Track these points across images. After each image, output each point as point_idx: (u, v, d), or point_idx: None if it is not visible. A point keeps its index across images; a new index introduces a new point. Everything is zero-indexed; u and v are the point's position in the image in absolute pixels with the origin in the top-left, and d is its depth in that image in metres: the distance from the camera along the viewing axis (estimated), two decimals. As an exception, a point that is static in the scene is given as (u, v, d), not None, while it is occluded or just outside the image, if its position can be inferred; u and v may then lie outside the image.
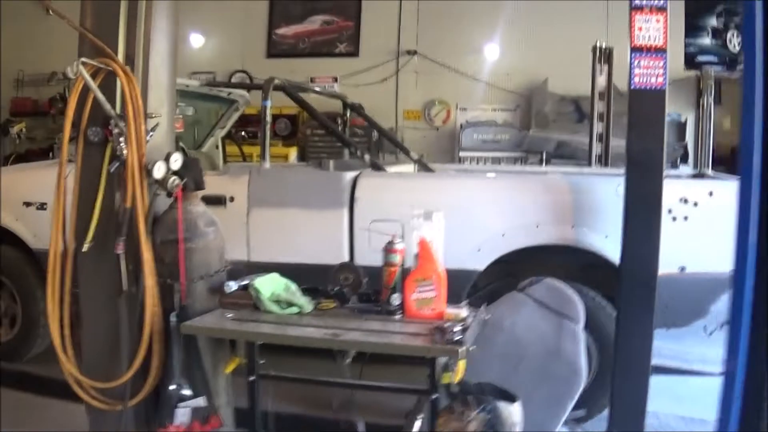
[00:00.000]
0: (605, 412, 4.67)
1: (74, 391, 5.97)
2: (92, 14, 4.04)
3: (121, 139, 3.78)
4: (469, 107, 11.35)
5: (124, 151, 3.79)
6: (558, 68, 10.59)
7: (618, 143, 8.99)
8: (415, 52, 11.39)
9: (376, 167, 6.24)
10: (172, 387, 3.80)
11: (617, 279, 4.33)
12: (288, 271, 4.17)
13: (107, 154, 3.85)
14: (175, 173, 3.91)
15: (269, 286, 3.94)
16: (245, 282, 4.00)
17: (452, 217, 4.58)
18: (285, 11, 11.94)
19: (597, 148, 9.00)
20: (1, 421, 5.39)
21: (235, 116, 8.05)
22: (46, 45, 12.40)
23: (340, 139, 6.49)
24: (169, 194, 3.93)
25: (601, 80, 9.07)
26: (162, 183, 3.88)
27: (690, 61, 10.90)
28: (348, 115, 8.11)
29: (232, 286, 3.97)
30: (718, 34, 11.00)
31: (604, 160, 8.94)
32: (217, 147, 8.18)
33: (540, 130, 10.38)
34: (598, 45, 8.96)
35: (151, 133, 3.89)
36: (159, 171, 3.83)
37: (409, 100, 11.40)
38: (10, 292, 6.83)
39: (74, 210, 3.91)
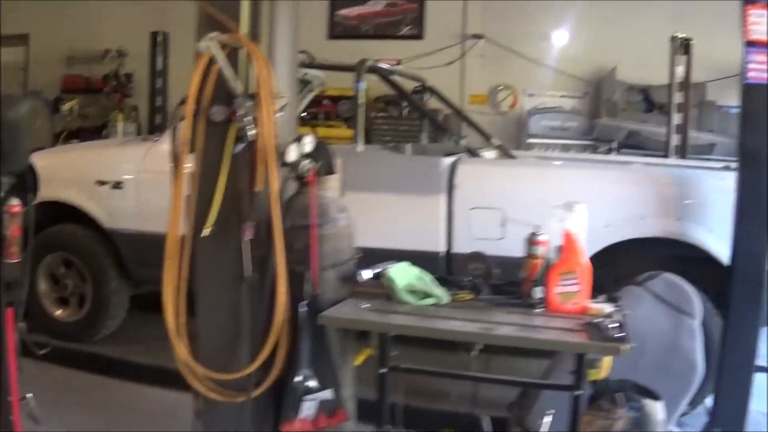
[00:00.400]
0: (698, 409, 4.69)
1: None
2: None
3: (247, 119, 3.55)
4: (536, 93, 11.07)
5: (250, 133, 3.55)
6: (627, 56, 10.31)
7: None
8: (481, 36, 11.10)
9: (472, 153, 6.02)
10: (298, 378, 3.59)
11: (728, 275, 4.21)
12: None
13: (231, 135, 3.60)
14: (306, 156, 3.70)
15: (403, 275, 3.76)
16: (377, 271, 3.79)
17: (552, 206, 4.57)
18: (348, -8, 11.70)
19: (675, 139, 8.74)
20: (69, 402, 5.35)
21: (309, 97, 7.82)
22: (97, 22, 12.27)
23: (434, 124, 6.26)
24: (300, 178, 3.71)
25: (679, 71, 8.79)
26: (294, 166, 3.67)
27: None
28: (425, 98, 7.84)
29: (365, 275, 3.75)
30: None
31: (682, 151, 8.66)
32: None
33: (610, 118, 10.11)
34: (676, 35, 8.74)
35: (279, 114, 3.63)
36: (292, 154, 3.61)
37: (474, 84, 11.13)
38: (78, 271, 6.66)
39: (194, 193, 3.64)
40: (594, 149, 10.08)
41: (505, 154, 7.03)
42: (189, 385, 5.50)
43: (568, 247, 3.63)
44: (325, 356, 3.67)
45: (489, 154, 6.86)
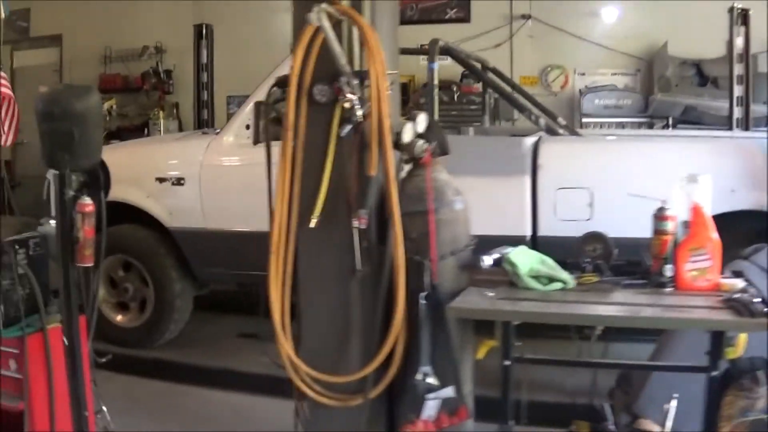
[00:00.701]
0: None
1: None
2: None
3: (355, 99, 3.26)
4: (587, 72, 10.77)
5: (358, 113, 3.27)
6: (677, 31, 10.01)
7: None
8: (529, 16, 10.81)
9: (552, 132, 5.75)
10: (418, 376, 3.33)
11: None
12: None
13: (336, 117, 3.33)
14: (418, 136, 3.43)
15: (525, 260, 3.50)
16: (496, 256, 3.54)
17: (644, 183, 4.42)
18: (391, -23, 11.35)
19: (737, 112, 8.50)
20: (138, 412, 5.15)
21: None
22: (132, 19, 12.04)
23: (513, 103, 5.99)
24: (414, 160, 3.44)
25: (738, 42, 8.52)
26: (408, 147, 3.39)
27: None
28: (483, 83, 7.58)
29: (487, 261, 3.49)
30: None
31: (745, 124, 8.39)
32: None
33: (665, 94, 9.81)
34: (735, 6, 8.49)
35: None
36: (407, 134, 3.35)
37: (524, 65, 10.82)
38: (139, 274, 6.43)
39: (298, 181, 3.36)
40: (649, 126, 9.80)
41: (571, 133, 6.76)
42: (267, 388, 5.38)
43: (696, 221, 3.41)
44: (445, 351, 3.41)
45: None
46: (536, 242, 5.25)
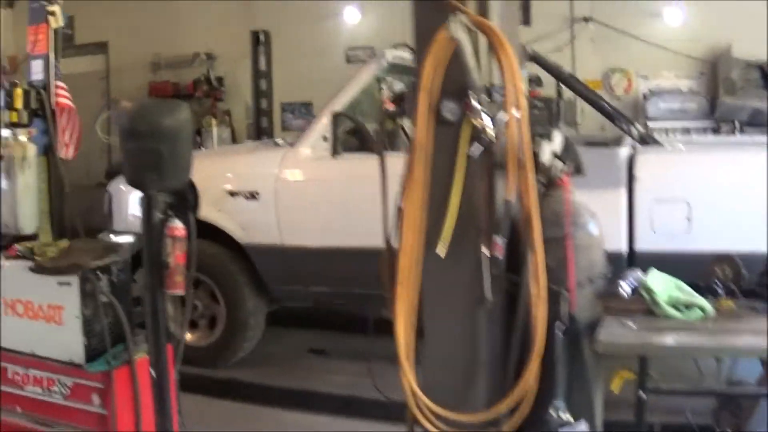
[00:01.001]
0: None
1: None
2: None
3: (486, 116, 3.05)
4: (650, 75, 10.53)
5: (490, 131, 3.04)
6: (742, 33, 9.76)
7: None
8: (590, 19, 10.57)
9: (646, 141, 5.50)
10: (551, 411, 3.16)
11: None
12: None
13: (464, 135, 3.10)
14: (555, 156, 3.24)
15: (662, 286, 3.28)
16: (632, 283, 3.36)
17: (744, 193, 4.48)
18: (450, -20, 11.13)
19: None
20: None
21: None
22: (181, 26, 11.91)
23: (601, 111, 5.75)
24: (549, 182, 3.21)
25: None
26: (544, 168, 3.19)
27: None
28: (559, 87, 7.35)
29: (627, 288, 3.30)
30: None
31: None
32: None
33: (731, 97, 9.55)
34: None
35: (518, 109, 3.15)
36: (545, 154, 3.12)
37: (586, 69, 10.56)
38: (209, 291, 6.22)
39: (422, 204, 3.14)
40: (714, 131, 9.55)
41: (652, 141, 6.50)
42: (343, 408, 5.18)
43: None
44: (579, 384, 3.23)
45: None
46: (633, 257, 5.04)
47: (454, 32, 2.96)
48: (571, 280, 3.17)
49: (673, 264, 3.49)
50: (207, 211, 6.00)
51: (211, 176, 6.16)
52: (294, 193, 5.81)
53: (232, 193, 5.99)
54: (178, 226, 3.84)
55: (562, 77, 6.08)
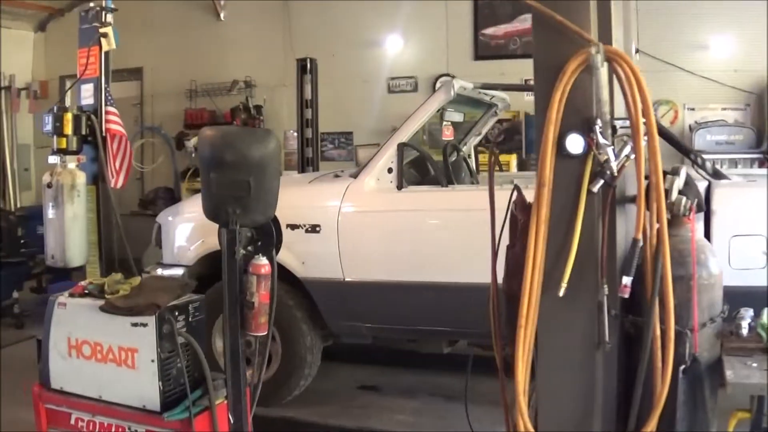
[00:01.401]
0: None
1: None
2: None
3: (610, 150, 2.95)
4: (696, 107, 10.40)
5: (613, 167, 2.93)
6: (788, 65, 9.62)
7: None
8: (637, 50, 10.44)
9: (719, 176, 5.37)
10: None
11: None
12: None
13: (587, 170, 2.97)
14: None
15: None
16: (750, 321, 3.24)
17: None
18: (492, 10, 11.07)
19: None
20: None
21: (492, 122, 7.25)
22: (218, 53, 11.85)
23: (676, 145, 5.60)
24: (674, 218, 3.07)
25: None
26: (669, 205, 3.07)
27: None
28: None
29: (744, 326, 3.21)
30: None
31: None
32: (469, 156, 7.37)
33: (778, 129, 9.46)
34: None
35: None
36: (675, 191, 2.99)
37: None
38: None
39: (541, 241, 3.00)
40: (761, 163, 9.41)
41: (717, 175, 6.34)
42: None
43: None
44: (699, 425, 3.08)
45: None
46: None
47: (596, 63, 2.81)
48: (695, 320, 3.03)
49: (751, 299, 3.41)
50: None
51: None
52: (358, 226, 5.67)
53: (292, 227, 5.80)
54: (263, 263, 3.69)
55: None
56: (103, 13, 6.69)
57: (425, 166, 6.23)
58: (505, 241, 3.49)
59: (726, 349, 3.17)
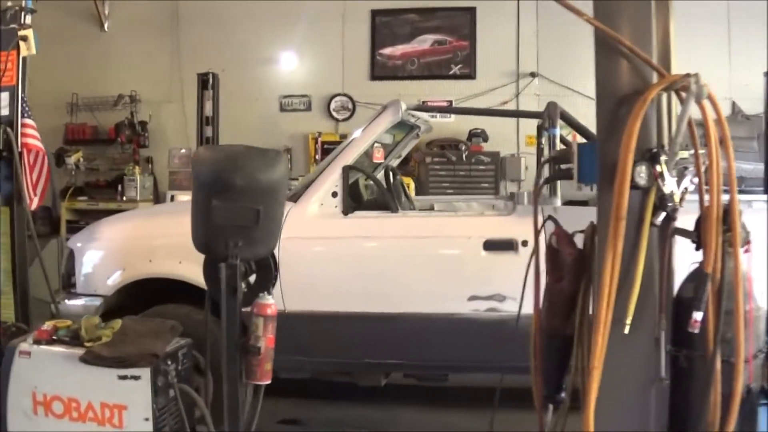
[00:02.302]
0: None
1: None
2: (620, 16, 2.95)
3: (673, 180, 2.88)
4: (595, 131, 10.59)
5: (676, 197, 2.89)
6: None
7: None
8: (535, 74, 10.59)
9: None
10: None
11: None
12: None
13: (651, 202, 2.89)
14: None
15: None
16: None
17: None
18: (390, 30, 10.96)
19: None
20: None
21: (412, 144, 7.09)
22: (100, 66, 11.25)
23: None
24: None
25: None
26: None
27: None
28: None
29: None
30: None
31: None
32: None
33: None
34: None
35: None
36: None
37: (530, 124, 10.53)
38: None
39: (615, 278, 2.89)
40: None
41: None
42: None
43: None
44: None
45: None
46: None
47: (701, 95, 2.70)
48: (750, 351, 2.98)
49: None
50: (195, 274, 5.36)
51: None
52: (300, 253, 5.31)
53: None
54: (269, 303, 3.43)
55: (589, 135, 5.91)
56: (23, 14, 6.07)
57: (359, 191, 6.00)
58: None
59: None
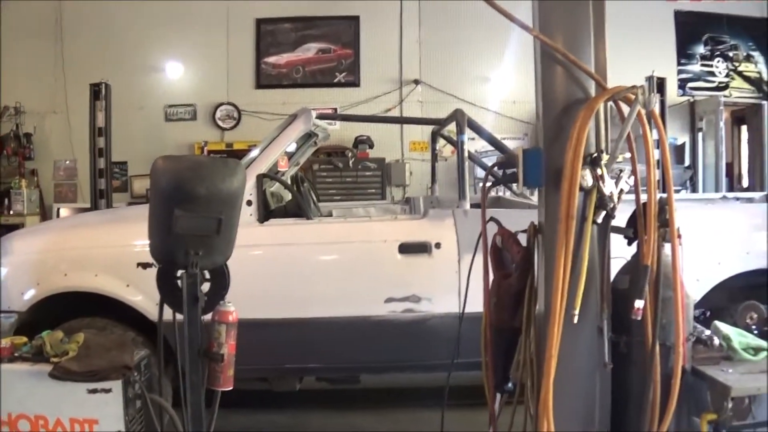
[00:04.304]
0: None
1: None
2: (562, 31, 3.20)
3: (611, 181, 3.14)
4: (476, 137, 10.90)
5: (615, 199, 3.14)
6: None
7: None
8: (418, 81, 10.86)
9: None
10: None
11: None
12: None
13: (592, 203, 3.13)
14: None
15: (732, 333, 3.52)
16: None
17: None
18: (274, 39, 11.02)
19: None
20: None
21: (310, 152, 7.21)
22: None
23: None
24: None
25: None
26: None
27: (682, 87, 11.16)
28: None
29: (716, 340, 3.49)
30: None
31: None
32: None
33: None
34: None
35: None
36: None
37: (414, 130, 10.84)
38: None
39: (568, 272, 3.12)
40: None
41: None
42: None
43: None
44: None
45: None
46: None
47: (647, 103, 2.96)
48: (683, 335, 3.24)
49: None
50: (114, 287, 5.26)
51: (115, 245, 5.50)
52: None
53: (144, 265, 5.20)
54: (231, 310, 3.50)
55: (499, 145, 6.18)
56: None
57: (265, 200, 6.07)
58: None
59: (696, 360, 3.45)
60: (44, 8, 10.94)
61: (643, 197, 3.24)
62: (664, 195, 3.23)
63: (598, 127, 3.20)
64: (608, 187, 3.12)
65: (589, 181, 3.12)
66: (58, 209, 10.45)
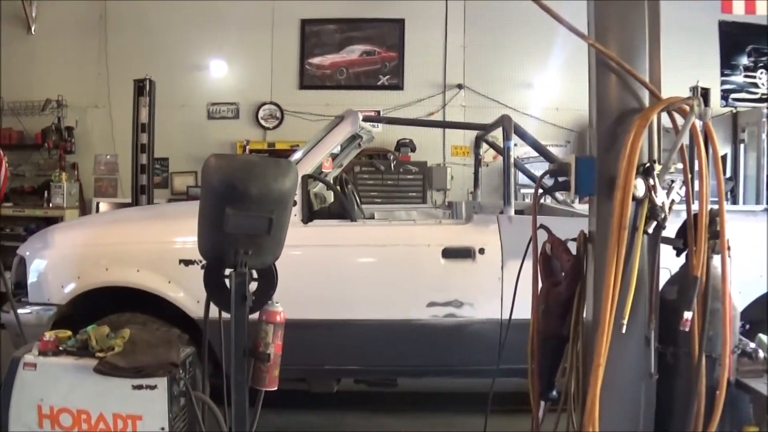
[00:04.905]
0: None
1: None
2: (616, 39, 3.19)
3: (663, 192, 3.12)
4: (519, 142, 10.88)
5: (666, 208, 3.12)
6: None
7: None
8: (462, 86, 10.86)
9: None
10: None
11: None
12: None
13: (644, 213, 3.12)
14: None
15: None
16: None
17: None
18: (319, 40, 11.06)
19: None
20: None
21: (354, 153, 7.22)
22: (26, 71, 11.03)
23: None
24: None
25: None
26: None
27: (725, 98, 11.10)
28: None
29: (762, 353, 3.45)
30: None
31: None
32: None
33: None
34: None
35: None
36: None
37: (456, 135, 10.82)
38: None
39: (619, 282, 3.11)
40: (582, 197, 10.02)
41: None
42: None
43: None
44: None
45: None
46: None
47: (702, 116, 2.96)
48: (728, 347, 3.19)
49: None
50: (155, 283, 5.30)
51: (157, 241, 5.51)
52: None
53: (186, 262, 5.28)
54: (279, 310, 3.50)
55: (545, 152, 6.15)
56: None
57: (309, 200, 6.09)
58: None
59: (740, 372, 3.42)
60: (89, 5, 11.04)
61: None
62: (715, 207, 3.21)
63: (651, 137, 3.19)
64: (660, 197, 3.10)
65: (641, 191, 3.10)
66: (98, 203, 10.55)
